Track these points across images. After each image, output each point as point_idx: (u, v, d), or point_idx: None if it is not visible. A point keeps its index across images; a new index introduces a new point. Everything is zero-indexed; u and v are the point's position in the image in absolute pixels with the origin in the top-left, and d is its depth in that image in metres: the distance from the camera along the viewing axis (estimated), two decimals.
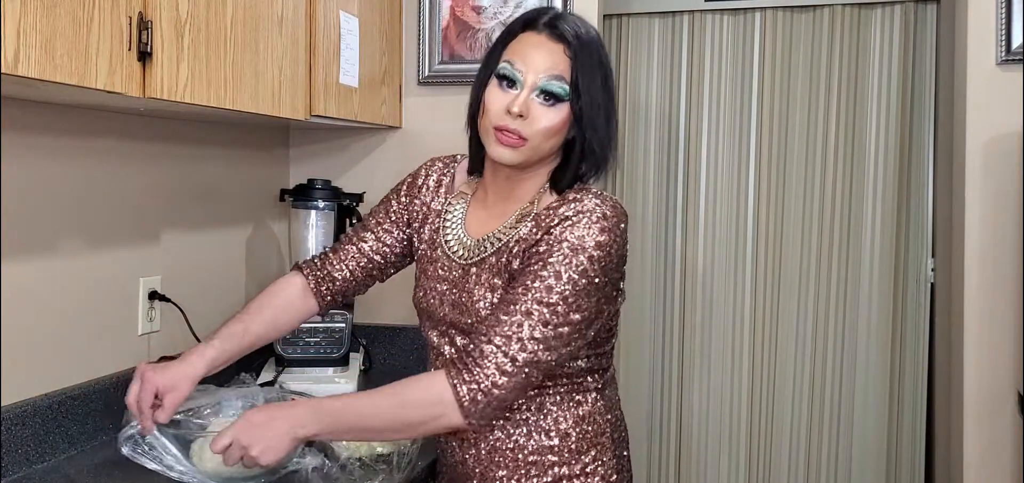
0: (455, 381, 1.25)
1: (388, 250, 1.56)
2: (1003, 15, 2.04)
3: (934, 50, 2.42)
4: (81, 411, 1.63)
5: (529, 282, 1.27)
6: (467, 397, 1.25)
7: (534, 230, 1.32)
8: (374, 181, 2.37)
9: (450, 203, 1.48)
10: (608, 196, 1.34)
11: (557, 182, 1.37)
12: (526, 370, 1.26)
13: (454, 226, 1.45)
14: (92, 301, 1.69)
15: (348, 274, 1.56)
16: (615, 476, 1.42)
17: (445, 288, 1.41)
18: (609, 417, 1.43)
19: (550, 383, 1.37)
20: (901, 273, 2.46)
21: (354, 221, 2.11)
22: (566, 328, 1.27)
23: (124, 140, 1.77)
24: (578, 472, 1.38)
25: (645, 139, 2.61)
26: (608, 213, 1.30)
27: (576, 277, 1.26)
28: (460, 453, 1.43)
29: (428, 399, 1.27)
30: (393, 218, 1.55)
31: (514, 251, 1.33)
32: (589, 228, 1.28)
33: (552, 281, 1.26)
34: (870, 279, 2.48)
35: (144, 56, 1.33)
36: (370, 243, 1.56)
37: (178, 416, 1.48)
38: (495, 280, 1.34)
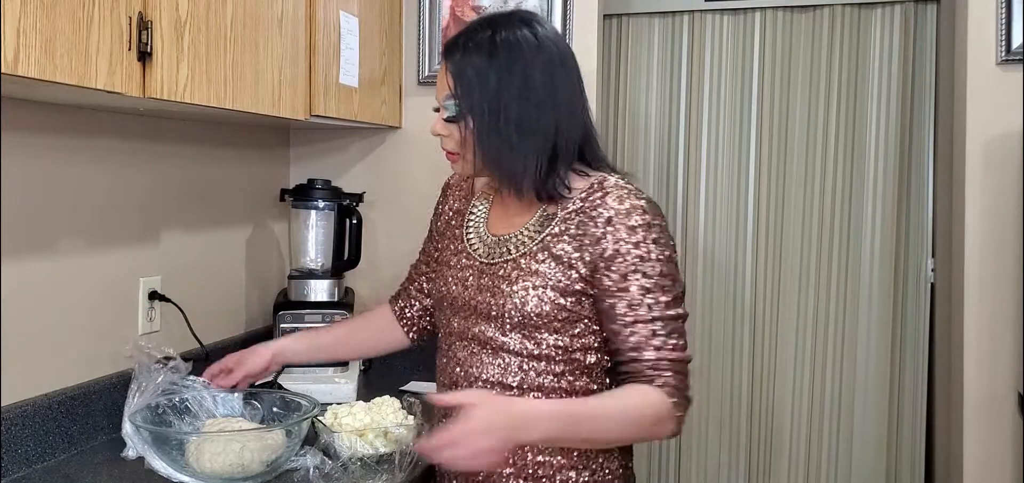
0: (673, 399, 1.32)
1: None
2: (1003, 15, 2.04)
3: (934, 50, 2.42)
4: (81, 411, 1.63)
5: (647, 297, 1.34)
6: (683, 409, 1.34)
7: (584, 224, 1.37)
8: (374, 181, 2.37)
9: (474, 204, 1.56)
10: (626, 178, 1.43)
11: (539, 192, 1.41)
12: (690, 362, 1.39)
13: (476, 225, 1.52)
14: (92, 301, 1.69)
15: (427, 302, 1.70)
16: (621, 471, 1.46)
17: (471, 279, 1.46)
18: None
19: (566, 386, 1.40)
20: (901, 273, 2.46)
21: (354, 221, 2.11)
22: (683, 310, 1.39)
23: (124, 140, 1.77)
24: (587, 478, 1.41)
25: (645, 139, 2.61)
26: (639, 190, 1.40)
27: (669, 270, 1.36)
28: None
29: (656, 417, 1.31)
30: (434, 243, 1.67)
31: (562, 243, 1.38)
32: (648, 217, 1.36)
33: (663, 282, 1.35)
34: (870, 279, 2.48)
35: (144, 56, 1.33)
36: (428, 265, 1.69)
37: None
38: (539, 268, 1.38)
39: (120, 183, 1.76)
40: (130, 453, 1.56)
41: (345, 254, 2.13)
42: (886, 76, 2.45)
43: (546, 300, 1.36)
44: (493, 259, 1.44)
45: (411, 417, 1.63)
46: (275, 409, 1.63)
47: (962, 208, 2.11)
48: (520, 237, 1.43)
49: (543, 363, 1.39)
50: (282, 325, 2.00)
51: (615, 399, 1.34)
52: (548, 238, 1.39)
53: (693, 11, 2.56)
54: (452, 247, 1.54)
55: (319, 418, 1.57)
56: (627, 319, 1.34)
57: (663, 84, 2.61)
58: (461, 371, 1.45)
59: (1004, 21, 2.04)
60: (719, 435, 2.59)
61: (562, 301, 1.36)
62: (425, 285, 1.69)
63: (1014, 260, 2.05)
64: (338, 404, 1.66)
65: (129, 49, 1.30)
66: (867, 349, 2.48)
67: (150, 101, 1.40)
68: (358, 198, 2.15)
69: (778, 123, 2.52)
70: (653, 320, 1.34)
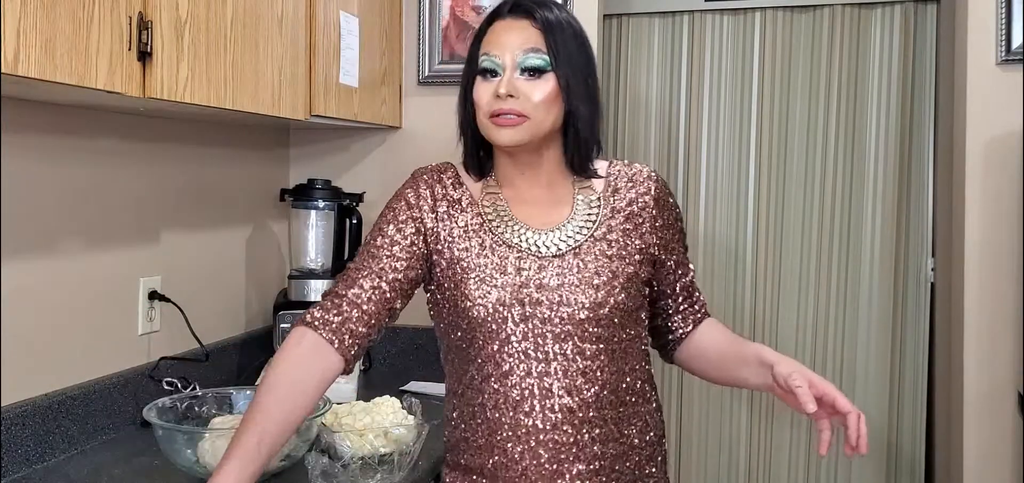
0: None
1: (402, 281, 1.34)
2: (1003, 15, 2.04)
3: (934, 50, 2.42)
4: (81, 411, 1.63)
5: (685, 260, 1.45)
6: None
7: (652, 204, 1.38)
8: (374, 181, 2.37)
9: (484, 206, 1.37)
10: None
11: (574, 161, 1.36)
12: None
13: (506, 222, 1.35)
14: (92, 301, 1.69)
15: (372, 320, 1.31)
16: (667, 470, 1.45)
17: (535, 277, 1.30)
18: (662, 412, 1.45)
19: (633, 377, 1.34)
20: (901, 273, 2.46)
21: (354, 221, 2.11)
22: None
23: (124, 140, 1.77)
24: (650, 468, 1.35)
25: (645, 139, 2.61)
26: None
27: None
28: (550, 464, 1.27)
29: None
30: (399, 248, 1.35)
31: (645, 230, 1.36)
32: (667, 190, 1.43)
33: (686, 242, 1.46)
34: (870, 279, 2.48)
35: (144, 56, 1.33)
36: (387, 279, 1.32)
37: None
38: (610, 251, 1.32)
39: (120, 183, 1.76)
40: None
41: (345, 254, 2.13)
42: (886, 76, 2.45)
43: (633, 287, 1.32)
44: (560, 250, 1.31)
45: (411, 417, 1.63)
46: None
47: (962, 208, 2.11)
48: (574, 226, 1.34)
49: (620, 359, 1.31)
50: (282, 325, 2.00)
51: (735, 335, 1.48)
52: (603, 227, 1.34)
53: (693, 11, 2.56)
54: (477, 248, 1.34)
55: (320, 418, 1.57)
56: (686, 278, 1.44)
57: (663, 84, 2.61)
58: (524, 383, 1.27)
59: (1004, 21, 2.04)
60: (719, 434, 2.59)
61: (632, 290, 1.32)
62: (374, 309, 1.31)
63: (1014, 260, 2.05)
64: (338, 404, 1.66)
65: (129, 49, 1.30)
66: (867, 349, 2.48)
67: (150, 101, 1.40)
68: (358, 198, 2.15)
69: (778, 123, 2.52)
70: (692, 281, 1.46)
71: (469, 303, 1.30)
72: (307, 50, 1.84)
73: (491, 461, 1.29)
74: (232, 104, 1.57)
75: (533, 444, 1.27)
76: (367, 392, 1.95)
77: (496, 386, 1.28)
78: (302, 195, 2.13)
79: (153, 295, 1.84)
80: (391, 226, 1.36)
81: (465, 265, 1.32)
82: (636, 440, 1.33)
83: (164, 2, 1.37)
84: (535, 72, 1.29)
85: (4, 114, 1.45)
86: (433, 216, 1.37)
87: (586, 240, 1.32)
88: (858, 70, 2.47)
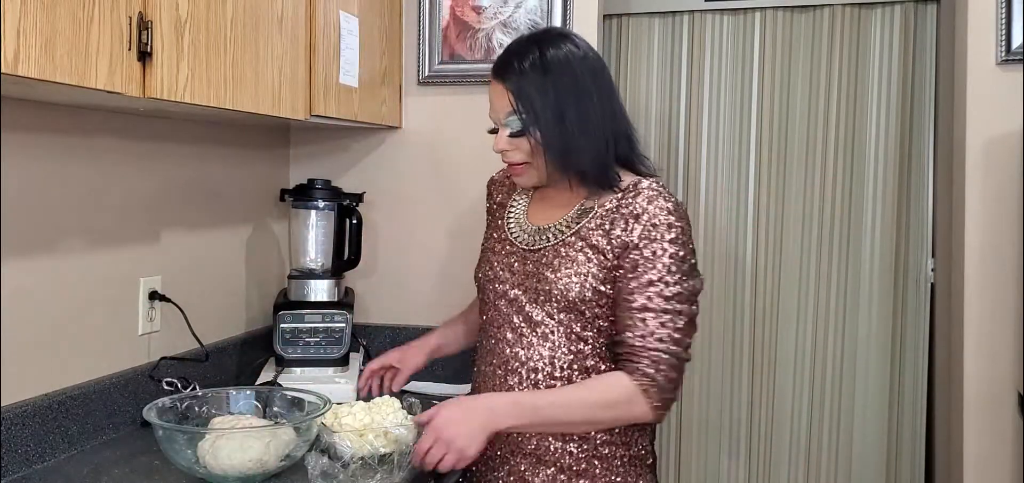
0: (644, 384, 1.44)
1: None
2: (1003, 15, 2.04)
3: (934, 50, 2.42)
4: (81, 411, 1.63)
5: (647, 285, 1.46)
6: (657, 398, 1.45)
7: (619, 220, 1.50)
8: (374, 181, 2.37)
9: (515, 197, 1.70)
10: (664, 184, 1.55)
11: (596, 181, 1.54)
12: (685, 356, 1.49)
13: (517, 216, 1.66)
14: (92, 301, 1.69)
15: None
16: (650, 459, 1.62)
17: (515, 262, 1.60)
18: None
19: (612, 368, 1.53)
20: (901, 273, 2.46)
21: (354, 221, 2.11)
22: (694, 308, 1.50)
23: (124, 140, 1.77)
24: (623, 453, 1.55)
25: (645, 139, 2.61)
26: (670, 193, 1.53)
27: (681, 265, 1.48)
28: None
29: (623, 399, 1.44)
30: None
31: (597, 236, 1.51)
32: (671, 217, 1.49)
33: (668, 277, 1.46)
34: (870, 279, 2.48)
35: (144, 56, 1.33)
36: None
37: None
38: (576, 255, 1.51)
39: (120, 183, 1.76)
40: None
41: (345, 254, 2.13)
42: (886, 76, 2.45)
43: (588, 286, 1.50)
44: (535, 245, 1.58)
45: (411, 417, 1.63)
46: (276, 408, 1.63)
47: (962, 208, 2.11)
48: (559, 226, 1.57)
49: (589, 347, 1.52)
50: (282, 325, 2.00)
51: (579, 386, 1.49)
52: (585, 229, 1.53)
53: (693, 11, 2.56)
54: (495, 236, 1.68)
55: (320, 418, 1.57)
56: (629, 303, 1.47)
57: (663, 84, 2.61)
58: (510, 352, 1.56)
59: (1004, 21, 2.04)
60: (719, 434, 2.59)
61: (601, 288, 1.50)
62: None
63: (1014, 260, 2.05)
64: (338, 404, 1.66)
65: (129, 49, 1.30)
66: (867, 349, 2.48)
67: (150, 101, 1.40)
68: (358, 198, 2.15)
69: (778, 123, 2.52)
70: (645, 309, 1.46)
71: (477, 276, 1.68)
72: (307, 50, 1.84)
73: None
74: (232, 104, 1.57)
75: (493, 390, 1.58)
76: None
77: (486, 363, 1.62)
78: (302, 195, 2.13)
79: (153, 295, 1.84)
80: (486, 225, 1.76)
81: (485, 247, 1.71)
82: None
83: (164, 2, 1.37)
84: (516, 133, 1.53)
85: (4, 114, 1.45)
86: (494, 206, 1.75)
87: (561, 241, 1.54)
88: (858, 70, 2.47)
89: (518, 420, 1.44)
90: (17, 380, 1.51)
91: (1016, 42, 2.03)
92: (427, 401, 1.98)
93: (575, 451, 1.54)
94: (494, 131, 1.58)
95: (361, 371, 2.13)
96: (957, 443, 2.15)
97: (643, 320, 1.45)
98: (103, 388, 1.69)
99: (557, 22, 2.25)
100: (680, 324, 1.47)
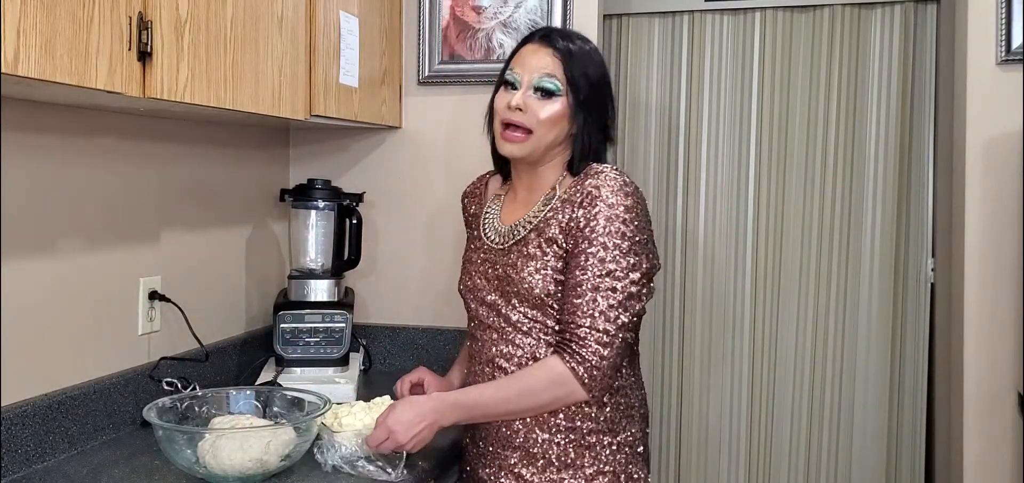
0: (571, 363, 1.49)
1: None
2: (1003, 15, 2.04)
3: (934, 50, 2.42)
4: (81, 411, 1.63)
5: (584, 262, 1.50)
6: (586, 375, 1.49)
7: (567, 206, 1.54)
8: (374, 181, 2.37)
9: (488, 206, 1.73)
10: (619, 168, 1.58)
11: (571, 167, 1.61)
12: (619, 335, 1.49)
13: (491, 219, 1.70)
14: (92, 301, 1.69)
15: None
16: (641, 447, 1.63)
17: (488, 269, 1.65)
18: (639, 393, 1.66)
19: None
20: (901, 273, 2.46)
21: (354, 221, 2.11)
22: (632, 287, 1.50)
23: (124, 140, 1.77)
24: (610, 441, 1.57)
25: (645, 139, 2.61)
26: (626, 179, 1.54)
27: (619, 242, 1.49)
28: (505, 420, 1.59)
29: (554, 381, 1.50)
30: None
31: (552, 227, 1.55)
32: (615, 195, 1.51)
33: (602, 253, 1.49)
34: (870, 279, 2.47)
35: (144, 56, 1.33)
36: None
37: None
38: (535, 251, 1.56)
39: (120, 183, 1.76)
40: None
41: (345, 254, 2.13)
42: (886, 76, 2.45)
43: (549, 279, 1.54)
44: (506, 244, 1.63)
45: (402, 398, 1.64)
46: (276, 408, 1.63)
47: (962, 208, 2.11)
48: (525, 222, 1.61)
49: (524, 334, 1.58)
50: (282, 325, 2.00)
51: (516, 375, 1.55)
52: (541, 223, 1.58)
53: (693, 11, 2.56)
54: (472, 246, 1.73)
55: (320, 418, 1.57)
56: (567, 281, 1.52)
57: (663, 84, 2.61)
58: (495, 350, 1.61)
59: (1004, 21, 2.04)
60: (719, 434, 2.59)
61: (562, 278, 1.54)
62: None
63: (1014, 260, 2.05)
64: (338, 404, 1.66)
65: (129, 49, 1.30)
66: (867, 349, 2.48)
67: (150, 101, 1.40)
68: (358, 198, 2.15)
69: (778, 123, 2.52)
70: (579, 286, 1.50)
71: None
72: (307, 50, 1.84)
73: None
74: (232, 104, 1.57)
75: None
76: (367, 392, 1.95)
77: (475, 362, 1.67)
78: (302, 195, 2.13)
79: (153, 295, 1.84)
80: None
81: (465, 258, 1.75)
82: (584, 407, 1.57)
83: (164, 2, 1.37)
84: (546, 94, 1.57)
85: (4, 114, 1.45)
86: (467, 219, 1.80)
87: (523, 239, 1.59)
88: (858, 70, 2.47)
89: (459, 417, 1.53)
90: (17, 380, 1.51)
91: (1016, 42, 2.03)
92: None
93: (562, 442, 1.56)
94: (511, 87, 1.60)
95: (363, 370, 2.14)
96: (957, 443, 2.15)
97: (578, 297, 1.49)
98: (103, 388, 1.69)
99: (557, 22, 2.25)
100: (613, 301, 1.48)
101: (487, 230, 1.69)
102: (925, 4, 2.43)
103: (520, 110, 1.56)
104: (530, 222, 1.59)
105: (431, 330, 2.34)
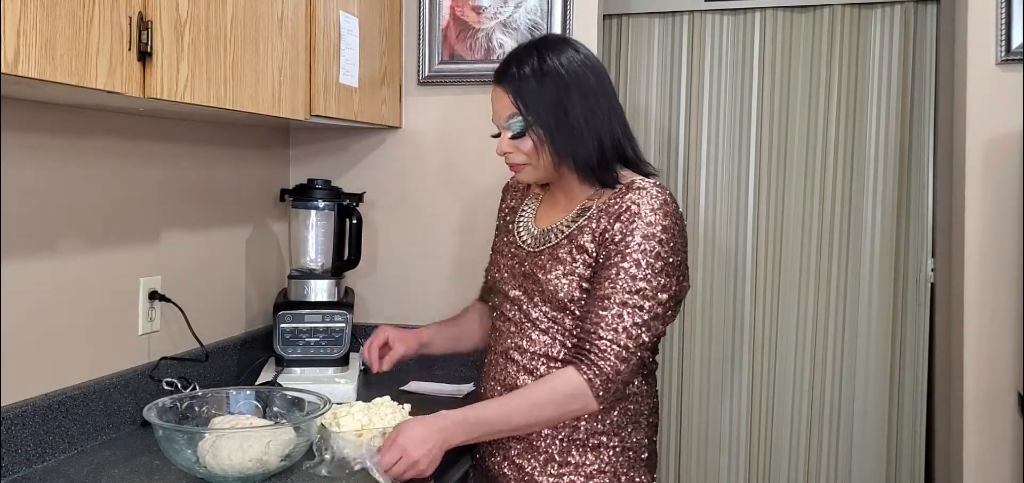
0: (587, 375, 1.49)
1: None
2: (1003, 15, 2.04)
3: (934, 50, 2.42)
4: (81, 411, 1.63)
5: (614, 275, 1.49)
6: (601, 388, 1.49)
7: (603, 217, 1.54)
8: (374, 181, 2.37)
9: (527, 202, 1.76)
10: (662, 184, 1.56)
11: (589, 178, 1.59)
12: (637, 352, 1.50)
13: (526, 220, 1.73)
14: (92, 301, 1.69)
15: None
16: (646, 454, 1.64)
17: (516, 265, 1.67)
18: (650, 402, 1.65)
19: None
20: (901, 273, 2.46)
21: (354, 221, 2.11)
22: (659, 307, 1.50)
23: (124, 140, 1.77)
24: (616, 443, 1.58)
25: (645, 139, 2.61)
26: (668, 199, 1.53)
27: (653, 261, 1.49)
28: None
29: (568, 394, 1.50)
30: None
31: (585, 235, 1.56)
32: (654, 214, 1.50)
33: (635, 270, 1.49)
34: (870, 279, 2.48)
35: (144, 56, 1.33)
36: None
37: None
38: (565, 256, 1.57)
39: (120, 183, 1.76)
40: None
41: (345, 254, 2.13)
42: (886, 76, 2.45)
43: (575, 286, 1.55)
44: (537, 247, 1.64)
45: (410, 417, 1.64)
46: (276, 408, 1.63)
47: (962, 208, 2.11)
48: (558, 228, 1.62)
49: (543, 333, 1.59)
50: (282, 325, 2.00)
51: (525, 390, 1.55)
52: (575, 231, 1.58)
53: (693, 11, 2.56)
54: (506, 239, 1.75)
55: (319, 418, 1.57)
56: (594, 291, 1.52)
57: (663, 84, 2.61)
58: (512, 343, 1.64)
59: (1004, 21, 2.04)
60: (719, 434, 2.59)
61: (587, 286, 1.54)
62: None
63: (1014, 260, 2.05)
64: (338, 404, 1.66)
65: (129, 49, 1.30)
66: (867, 349, 2.48)
67: (150, 101, 1.40)
68: (358, 198, 2.15)
69: (778, 123, 2.52)
70: (605, 298, 1.49)
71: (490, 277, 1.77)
72: (307, 50, 1.84)
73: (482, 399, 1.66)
74: (232, 104, 1.57)
75: (494, 381, 1.68)
76: (367, 392, 1.95)
77: (493, 352, 1.70)
78: (302, 195, 2.13)
79: (153, 295, 1.84)
80: (497, 229, 1.84)
81: (496, 249, 1.79)
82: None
83: (164, 2, 1.37)
84: (517, 135, 1.58)
85: (4, 114, 1.45)
86: (505, 212, 1.82)
87: (556, 244, 1.59)
88: (858, 70, 2.47)
89: (467, 436, 1.51)
90: (17, 380, 1.51)
91: (1016, 42, 2.03)
92: (427, 402, 1.99)
93: (565, 440, 1.58)
94: (497, 136, 1.64)
95: (363, 370, 2.14)
96: (957, 443, 2.15)
97: (603, 310, 1.49)
98: (103, 388, 1.69)
99: (557, 22, 2.25)
100: (639, 319, 1.48)
101: (520, 230, 1.72)
102: (925, 4, 2.43)
103: (509, 153, 1.61)
104: (562, 230, 1.61)
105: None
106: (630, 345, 1.48)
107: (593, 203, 1.58)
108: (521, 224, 1.73)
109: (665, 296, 1.50)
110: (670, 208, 1.52)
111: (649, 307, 1.49)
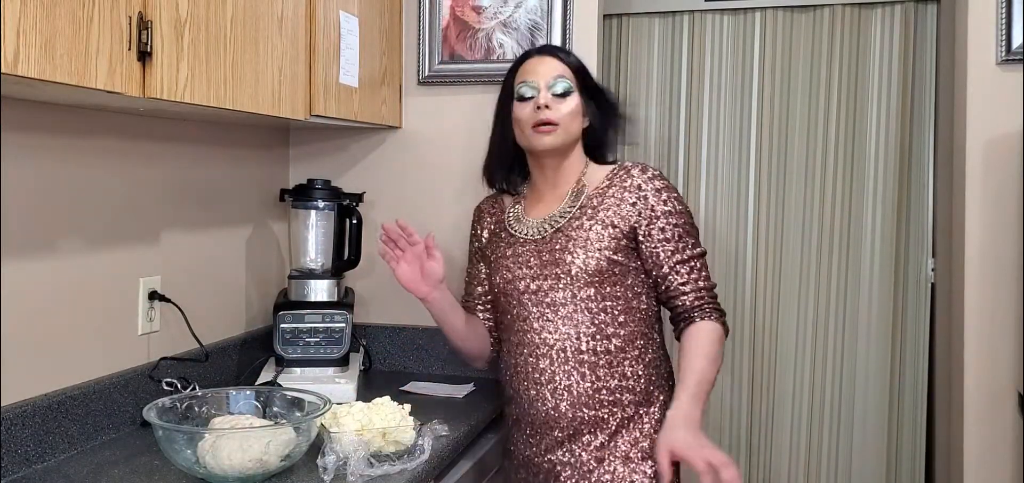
0: (720, 321, 1.74)
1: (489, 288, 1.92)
2: (1003, 15, 2.04)
3: (934, 50, 2.42)
4: (81, 411, 1.63)
5: (683, 250, 1.74)
6: (725, 326, 1.77)
7: (621, 192, 1.76)
8: (374, 181, 2.37)
9: (508, 211, 1.90)
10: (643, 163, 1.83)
11: (592, 153, 1.86)
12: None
13: (517, 219, 1.86)
14: (92, 301, 1.69)
15: (489, 310, 1.94)
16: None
17: (530, 258, 1.78)
18: (667, 365, 1.83)
19: (628, 334, 1.74)
20: (901, 273, 2.46)
21: (354, 221, 2.11)
22: (705, 249, 1.80)
23: (124, 140, 1.77)
24: (646, 409, 1.75)
25: (645, 139, 2.61)
26: (658, 170, 1.81)
27: (689, 219, 1.78)
28: (552, 400, 1.74)
29: (721, 337, 1.74)
30: (483, 266, 1.94)
31: (608, 211, 1.75)
32: (669, 192, 1.77)
33: (688, 237, 1.76)
34: (870, 279, 2.48)
35: (144, 56, 1.33)
36: (483, 287, 1.94)
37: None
38: (588, 233, 1.74)
39: (120, 183, 1.76)
40: None
41: (345, 254, 2.13)
42: (886, 76, 2.45)
43: (603, 258, 1.72)
44: (547, 234, 1.78)
45: (410, 417, 1.64)
46: (276, 408, 1.63)
47: (962, 208, 2.11)
48: (562, 212, 1.79)
49: (609, 316, 1.73)
50: (282, 325, 2.00)
51: (696, 352, 1.70)
52: (590, 208, 1.76)
53: (693, 11, 2.56)
54: (503, 243, 1.86)
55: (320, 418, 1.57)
56: (672, 260, 1.73)
57: (663, 84, 2.61)
58: (538, 338, 1.75)
59: (1004, 21, 2.04)
60: (719, 434, 2.59)
61: (615, 257, 1.72)
62: (488, 310, 1.93)
63: (1014, 260, 2.05)
64: (338, 404, 1.66)
65: (129, 49, 1.30)
66: (867, 349, 2.48)
67: (150, 101, 1.40)
68: (358, 198, 2.15)
69: (778, 123, 2.52)
70: (687, 260, 1.74)
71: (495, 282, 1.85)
72: (307, 50, 1.84)
73: (513, 400, 1.82)
74: (232, 104, 1.57)
75: (527, 380, 1.78)
76: (367, 392, 1.95)
77: (517, 356, 1.79)
78: (302, 195, 2.13)
79: (153, 295, 1.84)
80: (472, 255, 1.99)
81: (495, 262, 1.85)
82: (623, 381, 1.75)
83: (164, 2, 1.37)
84: (563, 94, 1.78)
85: (4, 114, 1.45)
86: (484, 236, 1.94)
87: (569, 224, 1.76)
88: (858, 70, 2.47)
89: (698, 408, 1.66)
90: (17, 380, 1.51)
91: (1016, 42, 2.03)
92: (427, 401, 1.99)
93: (607, 417, 1.73)
94: (528, 98, 1.78)
95: (363, 370, 2.14)
96: (957, 443, 2.15)
97: (691, 275, 1.74)
98: (103, 388, 1.69)
99: (557, 22, 2.24)
100: (706, 270, 1.77)
101: (520, 229, 1.84)
102: (925, 4, 2.43)
103: (548, 107, 1.75)
104: (572, 208, 1.78)
105: (431, 330, 2.33)
106: (714, 287, 1.77)
107: (583, 184, 1.80)
108: (515, 226, 1.86)
109: (701, 248, 1.79)
110: (664, 176, 1.81)
111: (705, 253, 1.78)
